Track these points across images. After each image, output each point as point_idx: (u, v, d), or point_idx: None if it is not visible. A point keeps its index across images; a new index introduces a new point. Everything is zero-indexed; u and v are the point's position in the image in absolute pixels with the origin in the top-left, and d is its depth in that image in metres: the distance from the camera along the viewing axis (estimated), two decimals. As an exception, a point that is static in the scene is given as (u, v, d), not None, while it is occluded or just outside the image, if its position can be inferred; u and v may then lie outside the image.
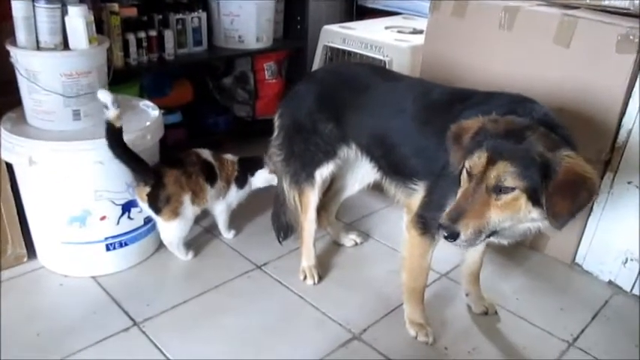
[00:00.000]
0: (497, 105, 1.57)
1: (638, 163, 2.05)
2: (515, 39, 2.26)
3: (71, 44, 1.93)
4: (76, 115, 1.98)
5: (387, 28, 3.22)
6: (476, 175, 1.39)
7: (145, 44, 2.68)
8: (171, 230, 2.14)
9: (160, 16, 2.77)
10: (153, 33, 2.71)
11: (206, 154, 2.24)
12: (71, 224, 2.00)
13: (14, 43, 1.90)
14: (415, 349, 1.84)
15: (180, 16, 2.83)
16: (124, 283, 2.08)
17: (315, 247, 2.18)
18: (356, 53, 3.02)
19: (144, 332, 1.84)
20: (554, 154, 1.34)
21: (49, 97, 1.93)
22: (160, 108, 2.26)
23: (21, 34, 1.87)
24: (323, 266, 2.23)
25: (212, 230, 2.45)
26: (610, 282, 2.24)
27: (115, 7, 2.49)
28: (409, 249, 1.83)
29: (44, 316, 1.89)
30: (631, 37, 1.95)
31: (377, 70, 2.11)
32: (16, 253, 2.13)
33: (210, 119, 3.28)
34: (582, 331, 1.98)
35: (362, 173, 2.21)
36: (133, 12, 2.64)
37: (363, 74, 1.98)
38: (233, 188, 2.32)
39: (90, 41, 1.93)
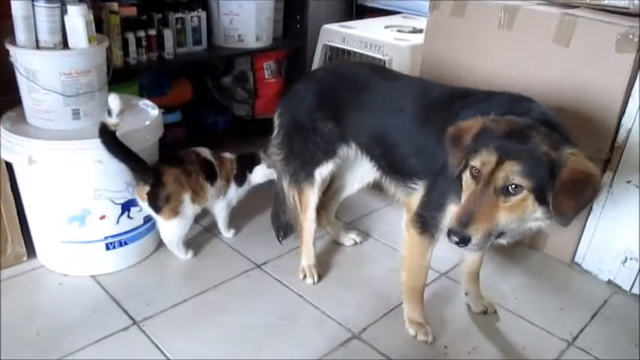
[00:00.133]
0: (496, 104, 1.57)
1: (638, 162, 2.05)
2: (515, 38, 2.26)
3: (71, 43, 1.93)
4: (76, 114, 1.98)
5: (386, 27, 3.22)
6: (483, 176, 1.37)
7: (144, 43, 2.68)
8: (171, 229, 2.14)
9: (160, 16, 2.77)
10: (152, 32, 2.71)
11: (205, 152, 2.24)
12: (71, 223, 2.00)
13: (14, 42, 1.90)
14: (415, 349, 1.84)
15: (179, 15, 2.83)
16: (124, 283, 2.08)
17: (314, 247, 2.19)
18: (355, 52, 3.02)
19: (143, 331, 1.84)
20: (559, 152, 1.34)
21: (48, 97, 1.93)
22: (160, 107, 2.26)
23: (20, 33, 1.87)
24: (322, 265, 2.23)
25: (212, 229, 2.45)
26: (609, 281, 2.24)
27: (115, 6, 2.49)
28: (409, 248, 1.83)
29: (44, 315, 1.89)
30: (630, 37, 1.95)
31: (376, 70, 2.11)
32: (16, 252, 2.13)
33: (209, 118, 3.28)
34: (582, 330, 1.98)
35: (362, 172, 2.21)
36: (132, 11, 2.64)
37: (363, 73, 1.98)
38: (232, 186, 2.32)
39: (89, 40, 1.93)
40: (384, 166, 1.90)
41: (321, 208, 2.24)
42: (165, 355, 1.75)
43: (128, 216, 2.10)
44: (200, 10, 2.92)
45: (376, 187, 2.16)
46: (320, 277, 2.16)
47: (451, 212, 1.62)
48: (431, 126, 1.70)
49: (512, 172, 1.33)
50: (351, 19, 3.78)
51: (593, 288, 2.22)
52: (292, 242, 2.30)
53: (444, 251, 1.87)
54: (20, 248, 2.13)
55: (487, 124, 1.43)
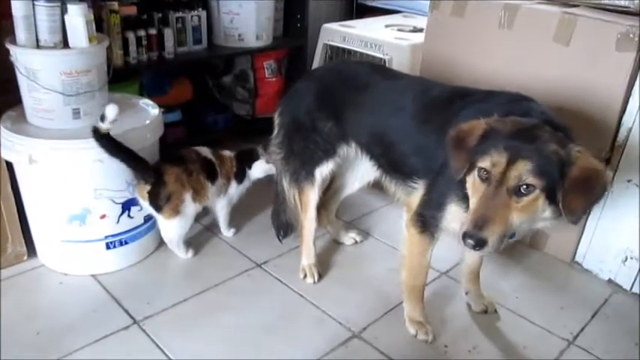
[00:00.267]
0: (496, 104, 1.57)
1: (638, 161, 2.05)
2: (515, 37, 2.25)
3: (71, 43, 1.93)
4: (76, 113, 1.98)
5: (387, 26, 3.22)
6: (494, 178, 1.36)
7: (144, 43, 2.68)
8: (172, 228, 2.14)
9: (160, 15, 2.77)
10: (153, 31, 2.71)
11: (205, 151, 2.24)
12: (71, 223, 2.00)
13: (14, 41, 1.90)
14: (415, 348, 1.84)
15: (179, 14, 2.83)
16: (124, 282, 2.08)
17: (315, 246, 2.19)
18: (356, 52, 3.02)
19: (144, 330, 1.84)
20: (567, 151, 1.34)
21: (48, 96, 1.93)
22: (160, 106, 2.26)
23: (21, 32, 1.87)
24: (323, 265, 2.23)
25: (212, 228, 2.45)
26: (610, 280, 2.24)
27: (115, 5, 2.49)
28: (409, 247, 1.82)
29: (44, 314, 1.89)
30: (631, 36, 1.95)
31: (376, 69, 2.11)
32: (16, 251, 2.13)
33: (209, 118, 3.28)
34: (582, 329, 1.98)
35: (362, 171, 2.21)
36: (132, 10, 2.63)
37: (363, 72, 1.98)
38: (233, 184, 2.32)
39: (90, 40, 1.93)
40: (384, 165, 1.90)
41: (322, 207, 2.24)
42: (165, 354, 1.75)
43: (128, 215, 2.10)
44: (200, 9, 2.92)
45: (376, 186, 2.16)
46: (320, 277, 2.16)
47: (451, 212, 1.63)
48: (431, 125, 1.70)
49: (524, 172, 1.33)
50: (351, 18, 3.78)
51: (593, 287, 2.22)
52: (292, 241, 2.30)
53: (444, 250, 1.87)
54: (20, 247, 2.13)
55: (493, 125, 1.42)
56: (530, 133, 1.37)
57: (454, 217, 1.63)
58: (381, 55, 2.89)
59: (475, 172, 1.42)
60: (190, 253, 2.25)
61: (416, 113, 1.76)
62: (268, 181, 2.32)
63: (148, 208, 2.09)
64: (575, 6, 2.20)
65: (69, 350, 1.74)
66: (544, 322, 1.99)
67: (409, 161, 1.77)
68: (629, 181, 2.09)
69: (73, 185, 1.95)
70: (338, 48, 3.11)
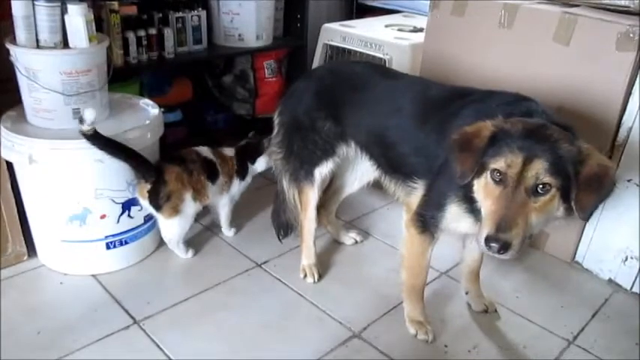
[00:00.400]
0: (496, 104, 1.57)
1: (639, 161, 2.05)
2: (515, 37, 2.25)
3: (71, 43, 1.93)
4: (76, 113, 1.97)
5: (387, 26, 3.22)
6: (510, 179, 1.35)
7: (144, 43, 2.68)
8: (172, 227, 2.14)
9: (160, 15, 2.77)
10: (153, 31, 2.71)
11: (206, 151, 2.24)
12: (71, 222, 2.00)
13: (14, 41, 1.90)
14: (415, 347, 1.84)
15: (180, 14, 2.83)
16: (124, 282, 2.08)
17: (315, 246, 2.19)
18: (356, 51, 3.02)
19: (144, 330, 1.84)
20: (578, 148, 1.35)
21: (48, 96, 1.93)
22: (160, 106, 2.26)
23: (21, 32, 1.87)
24: (323, 264, 2.23)
25: (212, 228, 2.45)
26: (610, 280, 2.24)
27: (115, 5, 2.49)
28: (409, 247, 1.82)
29: (44, 314, 1.90)
30: (631, 35, 1.94)
31: (376, 69, 2.11)
32: (16, 251, 2.13)
33: (209, 117, 3.28)
34: (582, 329, 1.98)
35: (361, 171, 2.21)
36: (132, 10, 2.63)
37: (363, 72, 1.98)
38: (235, 181, 2.32)
39: (90, 40, 1.93)
40: (384, 165, 1.90)
41: (322, 207, 2.24)
42: (165, 354, 1.75)
43: (128, 215, 2.10)
44: (200, 9, 2.92)
45: (376, 186, 2.16)
46: (320, 276, 2.16)
47: (451, 212, 1.62)
48: (430, 125, 1.70)
49: (541, 171, 1.32)
50: (351, 18, 3.78)
51: (593, 287, 2.22)
52: (292, 241, 2.30)
53: (444, 250, 1.88)
54: (21, 247, 2.13)
55: (501, 126, 1.41)
56: (541, 132, 1.37)
57: (454, 218, 1.63)
58: (381, 55, 2.89)
59: (487, 175, 1.41)
60: (190, 252, 2.25)
61: (415, 113, 1.76)
62: (268, 180, 2.32)
63: (147, 207, 2.09)
64: (575, 6, 2.20)
65: (69, 350, 1.74)
66: (544, 322, 1.99)
67: (409, 161, 1.77)
68: (629, 180, 2.09)
69: (74, 185, 1.95)
70: (338, 48, 3.11)
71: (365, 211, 2.70)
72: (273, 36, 3.23)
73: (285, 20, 3.37)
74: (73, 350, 1.74)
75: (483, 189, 1.43)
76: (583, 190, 1.34)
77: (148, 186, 2.02)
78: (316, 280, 2.14)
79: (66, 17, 1.90)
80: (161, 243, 2.26)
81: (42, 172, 1.94)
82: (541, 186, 1.34)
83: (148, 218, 2.18)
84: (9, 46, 1.90)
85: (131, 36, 2.62)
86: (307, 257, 2.18)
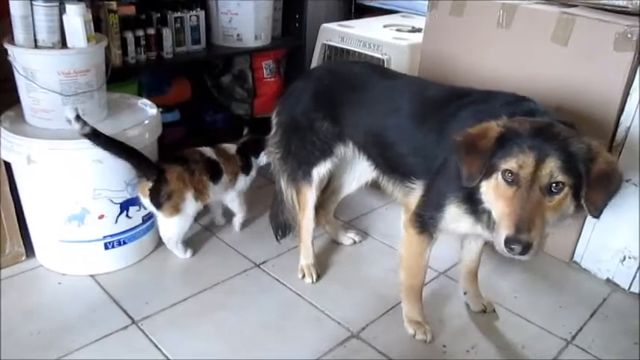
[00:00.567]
0: (497, 104, 1.57)
1: (637, 160, 2.05)
2: (514, 37, 2.26)
3: (69, 43, 1.93)
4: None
5: (385, 26, 3.22)
6: (523, 179, 1.34)
7: (143, 42, 2.68)
8: (171, 226, 2.14)
9: (159, 15, 2.77)
10: (151, 31, 2.71)
11: (209, 151, 2.24)
12: (69, 223, 2.00)
13: (12, 41, 1.89)
14: (413, 347, 1.84)
15: (178, 14, 2.83)
16: (123, 282, 2.08)
17: (313, 246, 2.19)
18: (354, 52, 3.02)
19: (142, 330, 1.84)
20: (588, 146, 1.35)
21: (47, 96, 1.92)
22: (158, 106, 2.26)
23: (19, 32, 1.87)
24: (321, 265, 2.23)
25: (211, 228, 2.45)
26: (608, 280, 2.24)
27: (113, 5, 2.49)
28: (407, 247, 1.82)
29: (43, 314, 1.89)
30: (629, 35, 1.95)
31: (375, 69, 2.11)
32: (15, 251, 2.12)
33: (208, 117, 3.28)
34: (580, 329, 1.98)
35: (360, 171, 2.22)
36: (131, 10, 2.63)
37: (361, 73, 1.98)
38: (241, 177, 2.33)
39: (88, 39, 1.93)
40: (382, 165, 1.90)
41: (320, 207, 2.24)
42: (164, 354, 1.75)
43: (127, 215, 2.09)
44: (199, 9, 2.92)
45: (375, 186, 2.16)
46: (319, 277, 2.16)
47: (450, 213, 1.62)
48: (429, 125, 1.69)
49: (555, 170, 1.32)
50: (350, 18, 3.78)
51: (591, 286, 2.22)
52: (291, 241, 2.30)
53: (442, 250, 1.88)
54: (19, 248, 2.13)
55: (509, 126, 1.40)
56: (550, 131, 1.37)
57: (454, 218, 1.63)
58: (379, 55, 2.89)
59: (498, 176, 1.40)
60: (189, 252, 2.25)
61: (414, 113, 1.76)
62: (267, 180, 2.32)
63: (148, 206, 2.08)
64: (573, 6, 2.20)
65: (68, 350, 1.73)
66: (542, 322, 1.99)
67: (407, 161, 1.77)
68: (627, 180, 2.09)
69: (72, 185, 1.95)
70: (336, 48, 3.11)
71: (363, 211, 2.70)
72: (271, 36, 3.23)
73: (284, 20, 3.37)
74: (72, 350, 1.74)
75: (494, 190, 1.41)
76: (594, 187, 1.34)
77: (150, 184, 2.02)
78: (315, 280, 2.14)
79: (64, 17, 1.90)
80: (159, 243, 2.26)
81: (40, 173, 1.93)
82: (555, 185, 1.34)
83: (147, 218, 2.18)
84: (7, 45, 1.90)
85: (129, 36, 2.62)
86: (305, 257, 2.18)
